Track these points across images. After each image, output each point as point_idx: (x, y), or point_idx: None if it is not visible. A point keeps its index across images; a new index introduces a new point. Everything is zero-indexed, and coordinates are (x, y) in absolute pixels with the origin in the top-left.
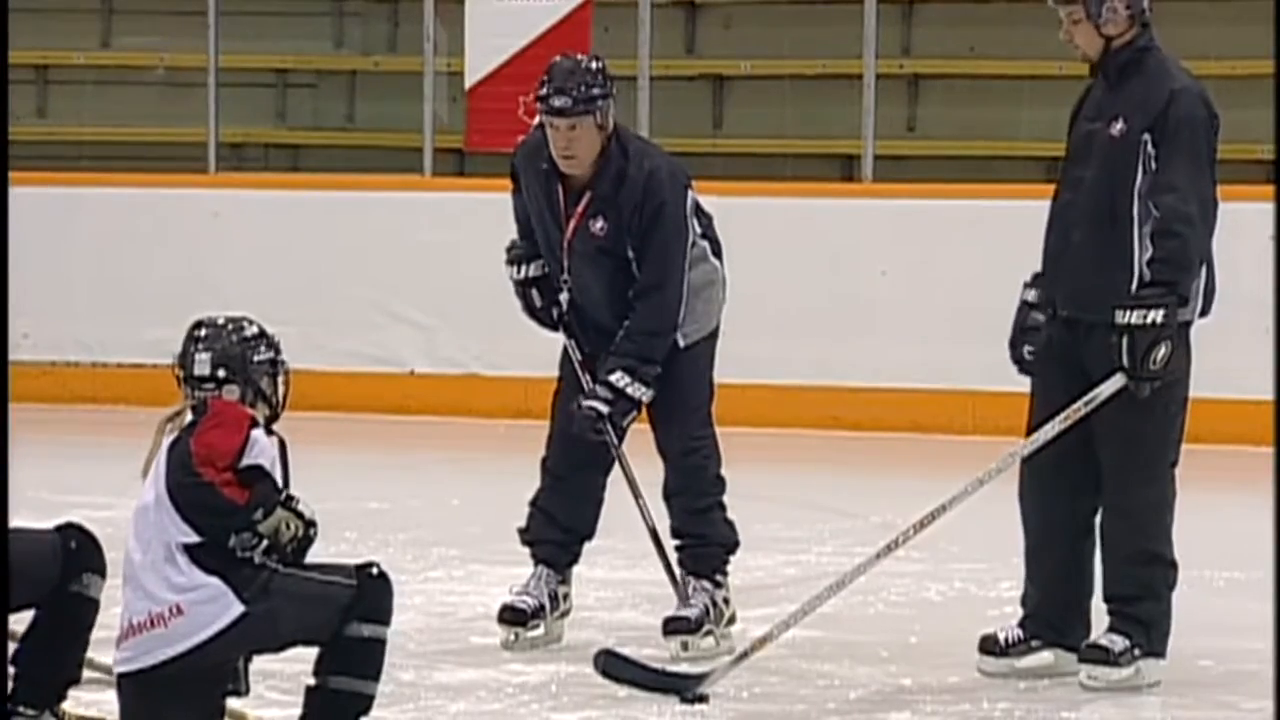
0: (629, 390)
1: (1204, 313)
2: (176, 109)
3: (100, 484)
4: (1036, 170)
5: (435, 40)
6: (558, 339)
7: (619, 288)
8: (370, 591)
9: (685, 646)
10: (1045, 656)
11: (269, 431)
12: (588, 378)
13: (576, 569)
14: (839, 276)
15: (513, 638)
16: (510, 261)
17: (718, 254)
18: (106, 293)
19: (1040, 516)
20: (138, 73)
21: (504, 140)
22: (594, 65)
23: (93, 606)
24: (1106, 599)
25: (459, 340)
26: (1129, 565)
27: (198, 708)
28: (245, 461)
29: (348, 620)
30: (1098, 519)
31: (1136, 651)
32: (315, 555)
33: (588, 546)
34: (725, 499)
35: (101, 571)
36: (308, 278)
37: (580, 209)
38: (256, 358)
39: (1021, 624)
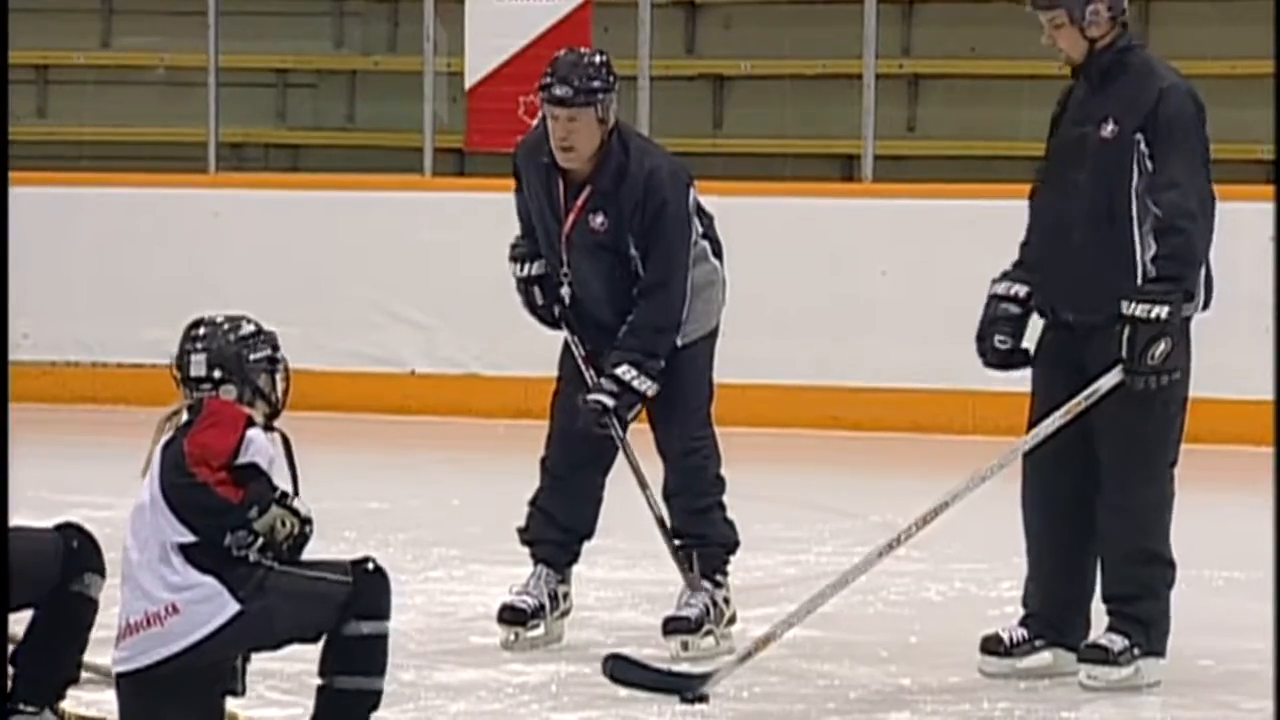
0: (635, 383)
1: (1204, 306)
2: (176, 109)
3: (100, 484)
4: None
5: (435, 40)
6: (557, 339)
7: (618, 284)
8: (367, 588)
9: (685, 646)
10: (1045, 656)
11: (270, 429)
12: (591, 373)
13: (576, 569)
14: (839, 276)
15: (513, 637)
16: (513, 259)
17: (718, 254)
18: (106, 293)
19: (1042, 516)
20: (138, 73)
21: (504, 140)
22: (598, 59)
23: (92, 606)
24: (1105, 599)
25: (459, 340)
26: (1128, 564)
27: (196, 707)
28: (240, 460)
29: (347, 619)
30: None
31: (1136, 651)
32: (315, 555)
33: (587, 546)
34: (725, 499)
35: (101, 571)
36: (308, 278)
37: (580, 203)
38: (253, 356)
39: (1025, 624)
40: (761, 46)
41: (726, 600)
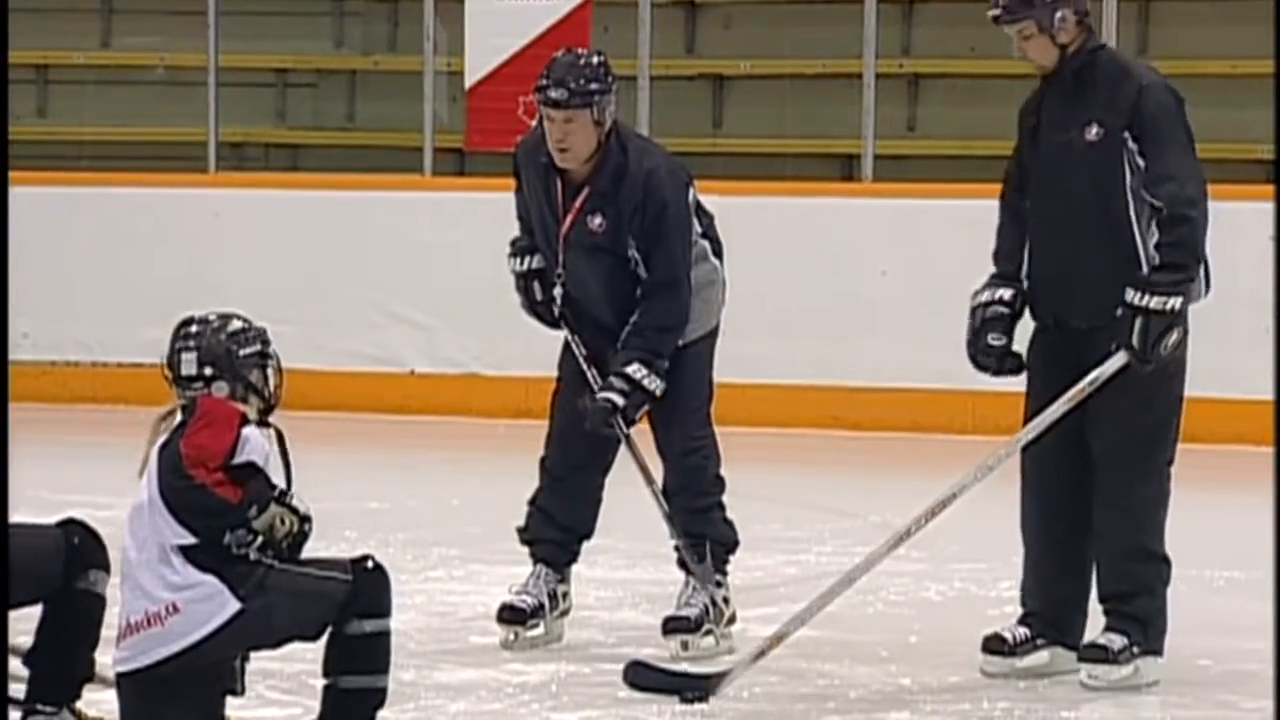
0: (645, 382)
1: (1204, 292)
2: (176, 109)
3: (100, 484)
4: None
5: (435, 40)
6: (557, 339)
7: (616, 285)
8: (367, 586)
9: (685, 646)
10: (1043, 655)
11: (265, 423)
12: (594, 372)
13: (576, 568)
14: (839, 276)
15: (512, 637)
16: (513, 254)
17: (718, 254)
18: (106, 293)
19: (1041, 513)
20: (138, 73)
21: (504, 140)
22: (595, 60)
23: (100, 602)
24: (1102, 597)
25: (459, 340)
26: (1125, 562)
27: (196, 706)
28: (237, 459)
29: (348, 617)
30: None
31: (1135, 650)
32: (315, 554)
33: (587, 546)
34: (725, 499)
35: (106, 567)
36: (308, 278)
37: (578, 204)
38: (243, 352)
39: (1026, 623)
40: (761, 46)
41: (726, 600)
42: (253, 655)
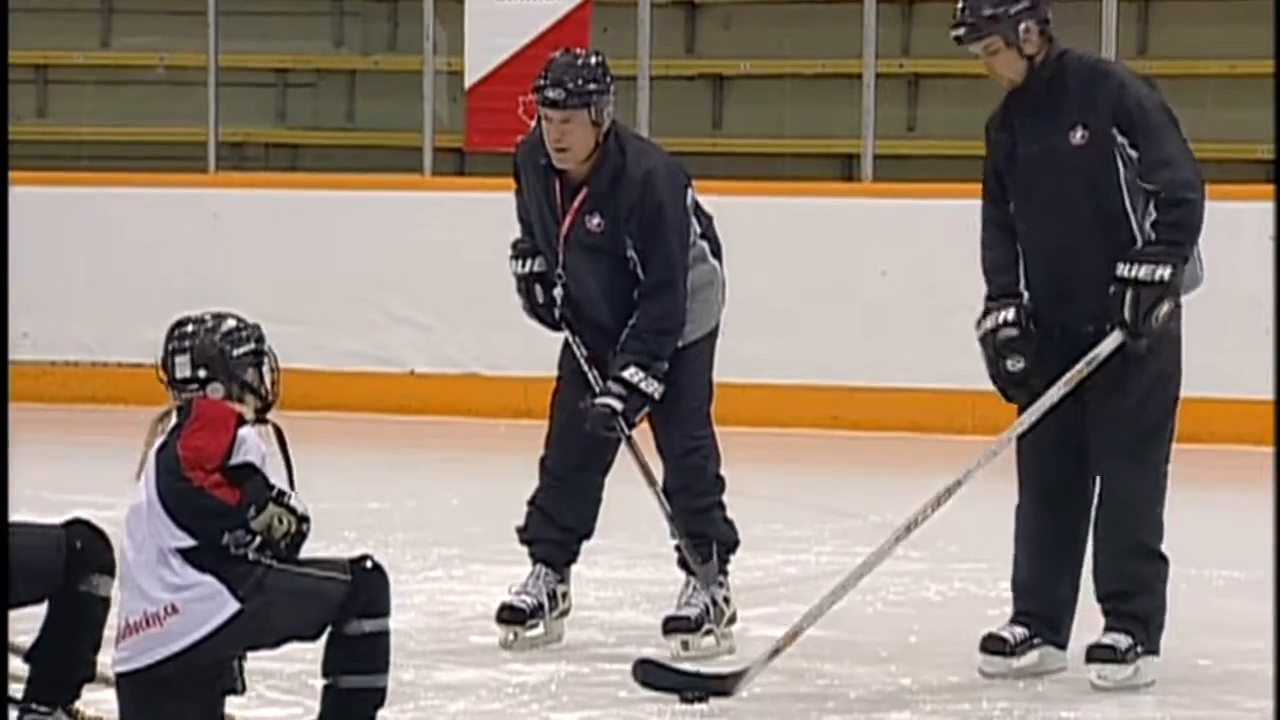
0: (642, 385)
1: (1200, 278)
2: (176, 108)
3: (100, 484)
4: None
5: (435, 40)
6: (557, 339)
7: (616, 285)
8: (366, 586)
9: (686, 645)
10: (1033, 656)
11: (263, 420)
12: (594, 374)
13: (576, 568)
14: (839, 276)
15: (512, 637)
16: (514, 256)
17: (717, 254)
18: (106, 293)
19: (1040, 515)
20: (138, 72)
21: (504, 140)
22: (593, 60)
23: (102, 605)
24: (1104, 595)
25: (459, 340)
26: (1127, 560)
27: (196, 706)
28: (234, 460)
29: (347, 617)
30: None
31: (1139, 649)
32: (314, 554)
33: (587, 546)
34: (725, 498)
35: (111, 570)
36: (308, 278)
37: (576, 205)
38: (236, 351)
39: (1023, 623)
40: (761, 46)
41: (727, 599)
42: (253, 655)
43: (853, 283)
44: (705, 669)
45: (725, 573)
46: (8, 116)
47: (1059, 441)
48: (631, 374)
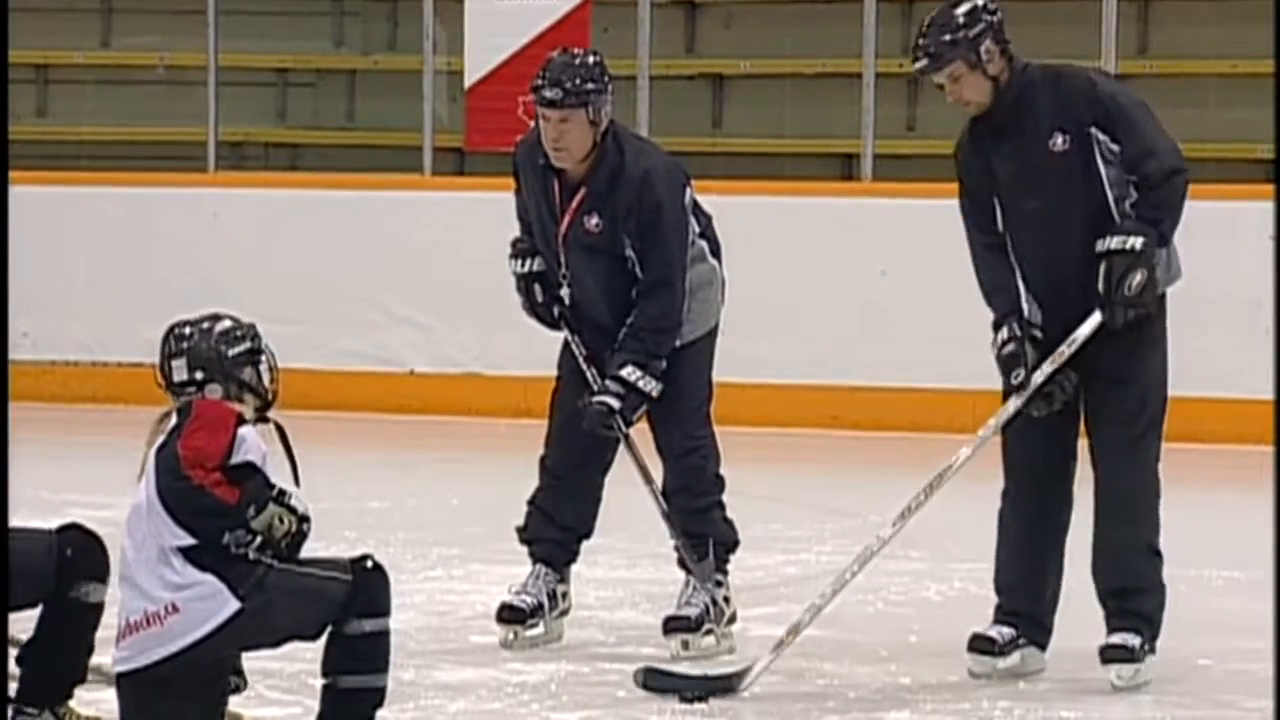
0: (640, 384)
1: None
2: (176, 108)
3: (100, 484)
4: None
5: (435, 40)
6: (557, 339)
7: (615, 285)
8: (367, 585)
9: (686, 645)
10: (1016, 657)
11: (264, 419)
12: (593, 372)
13: (576, 568)
14: (839, 276)
15: (511, 636)
16: (514, 256)
17: (716, 254)
18: (106, 292)
19: (1029, 516)
20: (138, 72)
21: (503, 140)
22: (590, 60)
23: (93, 611)
24: (1108, 593)
25: (459, 340)
26: (1132, 557)
27: (197, 705)
28: (234, 460)
29: (348, 617)
30: (1091, 517)
31: (1146, 648)
32: (314, 554)
33: (587, 545)
34: (725, 498)
35: (102, 578)
36: (308, 278)
37: (575, 204)
38: (232, 352)
39: (1010, 623)
40: (761, 46)
41: (727, 599)
42: (253, 655)
43: (853, 283)
44: (705, 669)
45: (725, 573)
46: (8, 116)
47: (1045, 431)
48: (629, 372)
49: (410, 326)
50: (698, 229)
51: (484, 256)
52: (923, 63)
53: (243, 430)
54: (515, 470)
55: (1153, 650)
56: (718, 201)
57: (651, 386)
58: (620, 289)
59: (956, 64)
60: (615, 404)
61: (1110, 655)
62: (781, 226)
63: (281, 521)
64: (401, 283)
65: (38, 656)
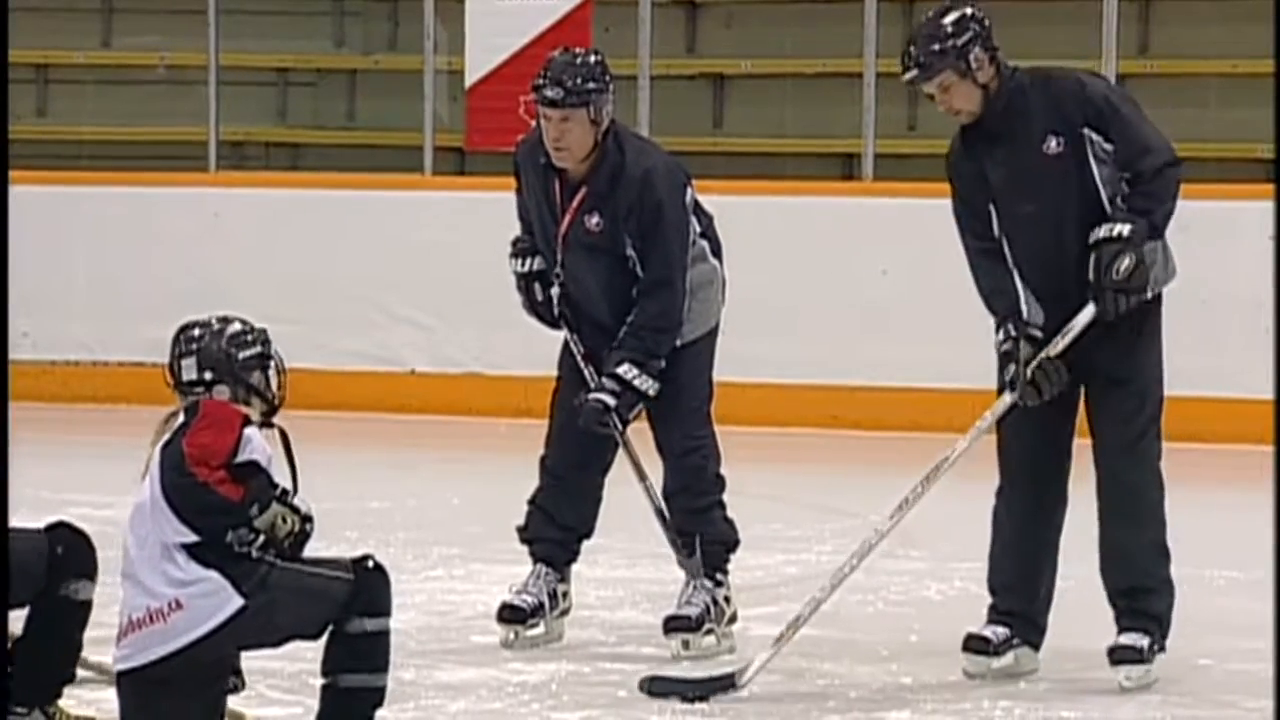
0: (636, 383)
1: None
2: (177, 108)
3: (100, 483)
4: None
5: (435, 39)
6: (557, 338)
7: (615, 284)
8: (368, 585)
9: (686, 645)
10: (1009, 657)
11: (269, 424)
12: (590, 370)
13: (576, 568)
14: (839, 276)
15: (512, 636)
16: (515, 255)
17: (717, 254)
18: (106, 292)
19: (1025, 516)
20: (138, 72)
21: (504, 139)
22: (592, 59)
23: (82, 609)
24: (1118, 592)
25: (459, 340)
26: (1141, 556)
27: (198, 703)
28: (239, 459)
29: (348, 617)
30: (1092, 517)
31: (1155, 648)
32: (315, 554)
33: (587, 545)
34: (725, 498)
35: (91, 575)
36: (308, 278)
37: (575, 204)
38: (242, 354)
39: (1005, 623)
40: (762, 46)
41: (727, 599)
42: (253, 654)
43: (853, 282)
44: (706, 669)
45: (726, 572)
46: (8, 116)
47: (1041, 429)
48: (626, 370)
49: (411, 326)
50: (699, 229)
51: (484, 256)
52: (912, 73)
53: (248, 431)
54: (516, 470)
55: (1162, 649)
56: (718, 201)
57: (648, 385)
58: (620, 288)
59: (946, 73)
60: (611, 401)
61: (1120, 656)
62: (782, 226)
63: (285, 521)
64: (402, 282)
65: (28, 656)
